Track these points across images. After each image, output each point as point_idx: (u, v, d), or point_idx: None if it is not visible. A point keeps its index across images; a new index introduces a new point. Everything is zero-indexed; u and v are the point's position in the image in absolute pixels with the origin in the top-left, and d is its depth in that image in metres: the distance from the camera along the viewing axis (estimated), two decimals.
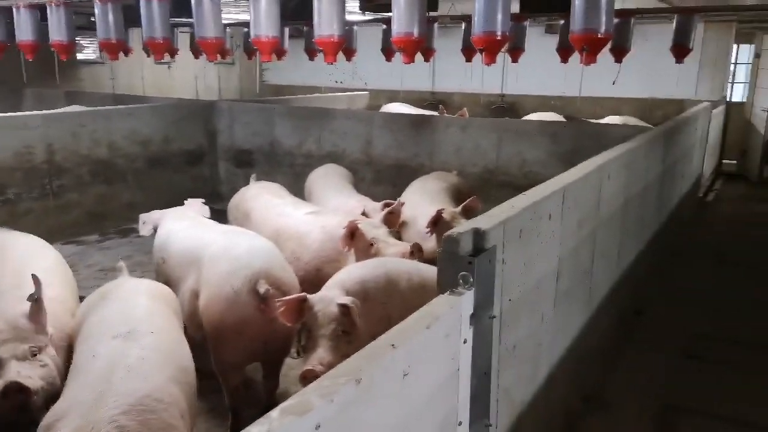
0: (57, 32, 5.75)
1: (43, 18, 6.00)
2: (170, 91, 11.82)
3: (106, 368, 2.19)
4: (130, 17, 5.69)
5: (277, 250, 3.39)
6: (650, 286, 5.11)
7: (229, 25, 7.14)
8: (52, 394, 2.36)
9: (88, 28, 7.44)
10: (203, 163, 7.96)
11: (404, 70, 10.37)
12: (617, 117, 9.67)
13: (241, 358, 3.13)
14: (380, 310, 2.84)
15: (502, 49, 4.11)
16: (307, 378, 2.55)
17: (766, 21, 9.64)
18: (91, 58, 11.26)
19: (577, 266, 3.01)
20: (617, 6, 4.00)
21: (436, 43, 6.64)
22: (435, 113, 9.60)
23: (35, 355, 2.44)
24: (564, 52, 6.17)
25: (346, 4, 4.55)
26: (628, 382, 3.79)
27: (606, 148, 3.81)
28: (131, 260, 5.75)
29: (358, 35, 7.10)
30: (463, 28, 6.45)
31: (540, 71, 10.09)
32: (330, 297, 2.77)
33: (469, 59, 6.54)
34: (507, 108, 11.41)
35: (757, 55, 10.43)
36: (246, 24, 7.02)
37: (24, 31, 6.05)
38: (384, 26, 6.95)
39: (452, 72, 11.25)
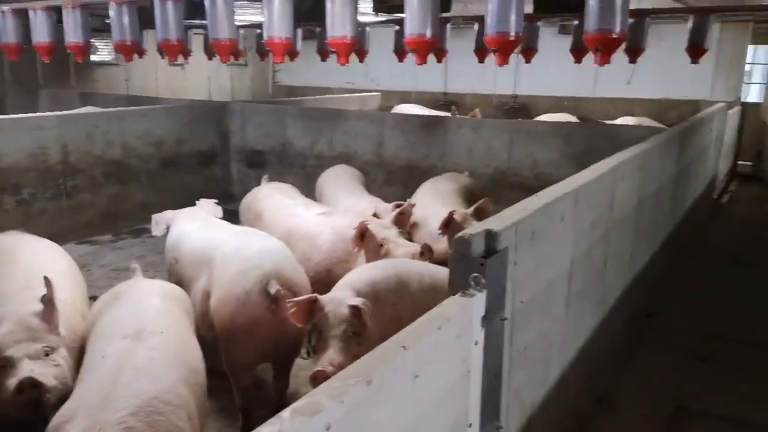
0: (72, 34, 5.81)
1: (59, 20, 6.07)
2: (183, 92, 11.90)
3: (114, 369, 2.20)
4: (145, 19, 5.74)
5: (289, 251, 3.40)
6: (664, 287, 5.07)
7: (242, 26, 7.17)
8: (65, 394, 2.37)
9: (103, 30, 7.51)
10: (216, 164, 8.01)
11: (416, 71, 10.33)
12: (631, 118, 9.60)
13: (252, 358, 3.14)
14: (391, 311, 2.84)
15: (515, 50, 4.09)
16: (318, 379, 2.55)
17: None
18: (106, 59, 11.35)
19: (589, 268, 2.99)
20: (632, 6, 3.97)
21: (449, 43, 6.63)
22: (447, 114, 9.58)
23: (48, 354, 2.45)
24: (577, 52, 6.12)
25: (359, 5, 4.55)
26: (640, 384, 3.76)
27: (619, 149, 3.78)
28: (144, 260, 5.80)
29: (370, 36, 7.10)
30: (476, 28, 6.43)
31: (553, 72, 10.04)
32: (341, 298, 2.77)
33: (481, 60, 6.51)
34: (519, 109, 11.37)
35: None
36: (259, 25, 7.05)
37: (40, 32, 6.12)
38: (396, 27, 6.95)
39: (464, 73, 11.23)
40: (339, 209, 4.77)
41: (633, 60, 5.93)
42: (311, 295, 2.78)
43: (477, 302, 1.82)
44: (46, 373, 2.36)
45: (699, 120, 6.13)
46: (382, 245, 3.69)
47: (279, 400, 3.35)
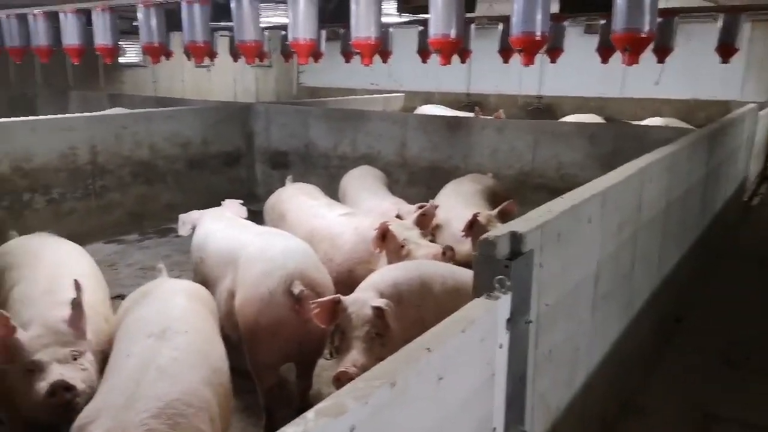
0: (102, 36, 5.92)
1: (89, 22, 6.18)
2: (209, 93, 12.06)
3: (139, 369, 2.20)
4: (172, 21, 5.82)
5: (312, 252, 3.41)
6: (692, 290, 4.97)
7: (267, 28, 7.23)
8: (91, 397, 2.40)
9: (131, 32, 7.64)
10: (240, 165, 8.08)
11: (440, 71, 10.34)
12: (658, 119, 9.44)
13: (276, 358, 3.16)
14: (414, 313, 2.83)
15: (541, 50, 4.06)
16: (341, 380, 2.55)
17: None
18: (134, 61, 11.56)
19: (616, 270, 2.95)
20: (661, 5, 3.91)
21: (473, 44, 6.60)
22: (470, 115, 9.54)
23: (76, 359, 2.45)
24: (604, 52, 6.05)
25: (383, 6, 4.55)
26: (667, 389, 3.69)
27: (646, 150, 3.71)
28: (170, 260, 5.88)
29: (393, 37, 7.10)
30: (500, 28, 6.39)
31: (579, 72, 9.93)
32: (364, 299, 2.77)
33: (506, 60, 6.48)
34: (544, 109, 11.27)
35: None
36: (283, 27, 7.10)
37: (70, 35, 6.24)
38: (420, 28, 6.94)
39: (488, 73, 11.17)
40: (362, 210, 4.78)
41: (661, 60, 5.83)
42: (334, 296, 2.79)
43: (502, 305, 1.81)
44: (75, 377, 2.37)
45: (729, 121, 6.00)
46: (403, 246, 3.68)
47: (302, 400, 3.37)
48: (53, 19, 6.52)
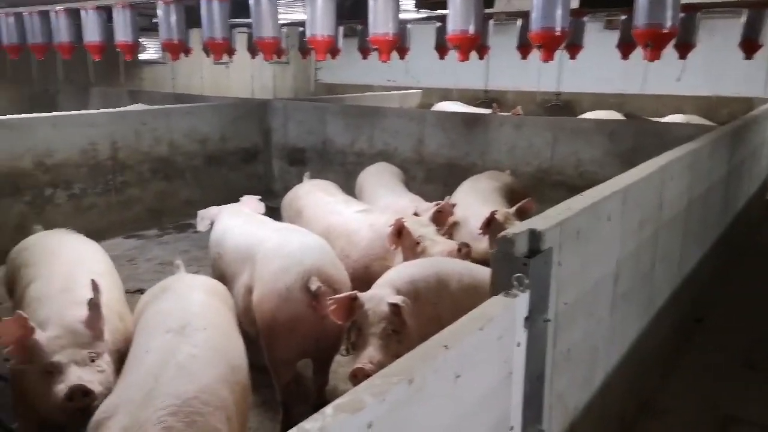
0: (122, 33, 5.98)
1: (109, 19, 6.25)
2: (227, 90, 12.13)
3: (157, 365, 2.20)
4: (191, 18, 5.86)
5: (329, 248, 3.42)
6: (713, 289, 4.90)
7: (285, 25, 7.25)
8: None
9: (151, 29, 7.71)
10: (258, 161, 8.12)
11: (457, 68, 10.27)
12: (680, 116, 9.30)
13: (293, 354, 3.17)
14: (430, 310, 2.82)
15: (560, 46, 4.02)
16: (358, 376, 2.56)
17: None
18: (153, 58, 11.67)
19: (636, 269, 2.91)
20: (683, 0, 3.85)
21: (491, 39, 6.56)
22: (488, 111, 9.48)
23: (93, 360, 2.44)
24: (625, 47, 5.98)
25: (400, 2, 4.54)
26: (686, 390, 3.65)
27: (667, 147, 3.66)
28: (188, 255, 5.94)
29: (410, 33, 7.08)
30: (519, 24, 6.34)
31: (598, 68, 9.82)
32: (380, 296, 2.77)
33: (524, 56, 6.43)
34: (562, 106, 11.16)
35: None
36: (301, 24, 7.12)
37: (91, 32, 6.31)
38: (438, 24, 6.91)
39: (506, 69, 11.09)
40: (378, 207, 4.78)
41: (683, 56, 5.76)
42: (351, 293, 2.79)
43: (520, 303, 1.79)
44: (93, 380, 2.36)
45: (752, 118, 5.90)
46: (418, 243, 3.67)
47: (318, 396, 3.38)
48: (75, 16, 6.60)
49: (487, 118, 7.27)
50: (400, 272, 3.01)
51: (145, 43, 10.24)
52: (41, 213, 5.95)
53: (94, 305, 2.47)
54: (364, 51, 7.32)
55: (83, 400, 2.29)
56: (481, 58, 6.51)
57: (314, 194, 4.74)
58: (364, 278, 3.66)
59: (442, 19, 6.55)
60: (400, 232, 3.72)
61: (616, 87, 10.49)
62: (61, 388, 2.30)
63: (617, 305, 2.69)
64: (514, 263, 1.84)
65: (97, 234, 5.82)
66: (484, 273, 2.77)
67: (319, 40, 4.77)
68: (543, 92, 11.32)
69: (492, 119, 7.12)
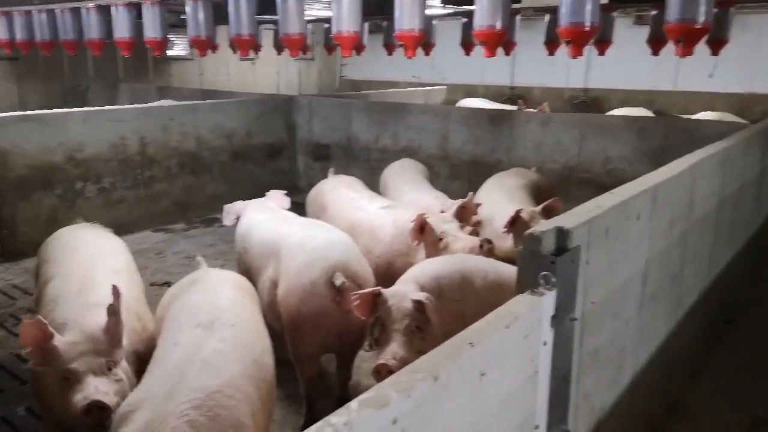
0: (151, 29, 6.06)
1: (138, 16, 6.34)
2: (253, 86, 12.23)
3: (183, 360, 2.20)
4: (218, 14, 5.91)
5: (354, 244, 3.42)
6: (744, 290, 4.79)
7: (310, 21, 7.27)
8: None
9: (179, 26, 7.80)
10: (283, 157, 8.17)
11: (483, 64, 10.20)
12: (711, 113, 9.10)
13: (317, 348, 3.19)
14: (454, 307, 2.81)
15: (589, 41, 3.96)
16: (380, 372, 2.56)
17: None
18: (181, 54, 11.81)
19: (665, 269, 2.86)
20: None
21: (517, 35, 6.48)
22: (514, 108, 9.40)
23: (110, 369, 2.42)
24: (655, 43, 5.85)
25: None
26: (715, 392, 3.58)
27: (698, 145, 3.59)
28: (214, 249, 6.01)
29: (436, 29, 7.04)
30: (547, 19, 6.26)
31: (628, 64, 9.67)
32: (404, 292, 2.76)
33: (552, 52, 6.34)
34: (590, 103, 11.01)
35: None
36: (326, 20, 7.14)
37: (121, 28, 6.41)
38: (464, 20, 6.86)
39: (533, 66, 10.98)
40: (403, 203, 4.77)
41: (715, 52, 5.62)
42: (375, 288, 2.79)
43: (546, 301, 1.78)
44: (110, 391, 2.34)
45: None
46: (441, 239, 3.66)
47: (341, 390, 3.40)
48: (105, 12, 6.71)
49: (513, 114, 7.20)
50: (424, 269, 3.00)
51: (173, 39, 10.38)
52: (72, 206, 6.09)
53: (113, 312, 2.43)
54: (390, 47, 7.29)
55: (100, 415, 2.27)
56: (507, 54, 6.44)
57: (338, 190, 4.76)
58: (387, 274, 3.66)
59: (468, 14, 6.50)
60: (422, 228, 3.71)
61: (646, 83, 10.31)
62: (79, 399, 2.28)
63: (646, 305, 2.65)
64: (541, 261, 1.82)
65: (125, 227, 5.96)
66: (509, 271, 2.74)
67: (345, 36, 4.76)
68: (570, 89, 11.18)
69: (518, 116, 7.05)
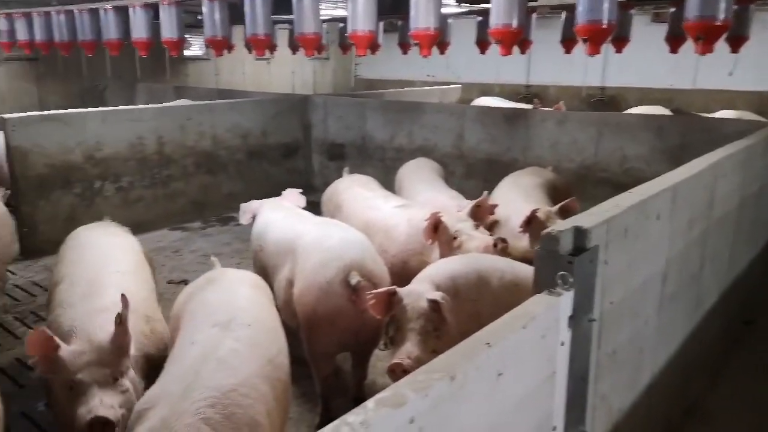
0: (168, 30, 6.11)
1: (156, 16, 6.40)
2: (268, 85, 12.28)
3: (199, 359, 2.21)
4: (233, 14, 5.95)
5: (369, 243, 3.42)
6: (764, 292, 4.72)
7: (325, 20, 7.29)
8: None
9: (195, 26, 7.86)
10: (298, 156, 8.20)
11: (498, 63, 10.17)
12: (731, 111, 8.97)
13: (333, 347, 3.20)
14: (470, 306, 2.80)
15: (607, 39, 3.93)
16: (395, 371, 2.56)
17: None
18: (197, 54, 11.90)
19: (685, 269, 2.83)
20: None
21: (533, 33, 6.44)
22: (529, 107, 9.34)
23: (117, 379, 2.39)
24: (674, 41, 5.79)
25: None
26: (734, 395, 3.53)
27: (717, 144, 3.54)
28: (230, 247, 6.05)
29: (451, 27, 7.02)
30: (563, 17, 6.22)
31: (646, 62, 9.56)
32: (419, 291, 2.76)
33: (568, 50, 6.30)
34: (607, 101, 10.91)
35: None
36: (341, 19, 7.15)
37: (138, 29, 6.48)
38: (479, 18, 6.83)
39: (548, 64, 10.90)
40: (418, 202, 4.76)
41: (735, 50, 5.54)
42: (390, 288, 2.79)
43: (564, 301, 1.76)
44: (114, 404, 2.32)
45: None
46: (455, 238, 3.64)
47: (357, 389, 3.40)
48: (123, 13, 6.78)
49: (529, 113, 7.16)
50: (440, 268, 2.99)
51: (189, 39, 10.46)
52: (90, 205, 6.16)
53: (121, 322, 2.40)
54: (404, 46, 7.28)
55: (103, 430, 2.25)
56: (523, 52, 6.39)
57: (354, 189, 4.76)
58: (402, 273, 3.66)
59: (483, 13, 6.47)
60: (436, 227, 3.70)
61: (664, 82, 10.19)
62: (82, 413, 2.26)
63: (665, 306, 2.62)
64: (559, 261, 1.81)
65: (143, 226, 6.02)
66: (526, 270, 2.73)
67: (360, 35, 4.77)
68: (587, 87, 11.09)
69: (534, 114, 7.01)
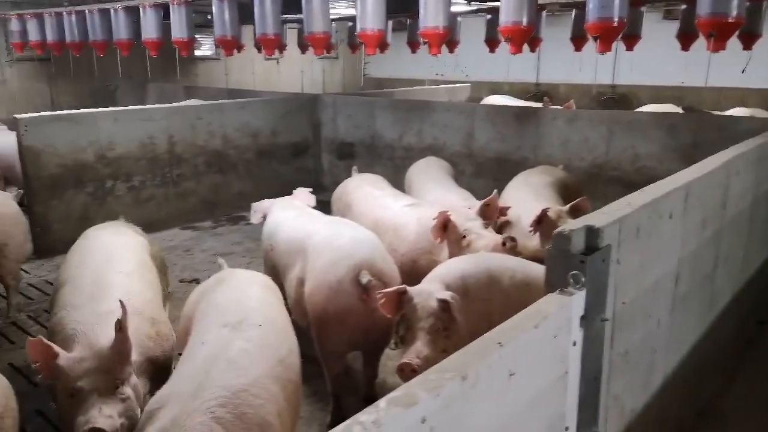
0: (178, 30, 6.15)
1: (166, 17, 6.44)
2: (278, 85, 12.31)
3: (210, 359, 2.21)
4: (243, 14, 5.97)
5: (379, 242, 3.43)
6: None
7: (334, 20, 7.30)
8: (132, 427, 2.37)
9: (205, 26, 7.90)
10: (307, 155, 8.22)
11: (507, 61, 10.13)
12: (743, 109, 8.89)
13: (343, 346, 3.20)
14: (481, 306, 2.79)
15: (617, 37, 3.90)
16: (404, 370, 2.56)
17: None
18: (207, 54, 11.95)
19: (698, 269, 2.80)
20: None
21: (543, 31, 6.41)
22: (539, 105, 9.30)
23: (117, 387, 2.37)
24: (685, 38, 5.76)
25: None
26: (748, 396, 3.50)
27: (730, 142, 3.51)
28: (241, 246, 6.08)
29: (460, 26, 7.00)
30: (573, 15, 6.19)
31: (657, 60, 9.49)
32: (429, 291, 2.76)
33: (578, 48, 6.28)
34: (618, 99, 10.84)
35: None
36: (350, 18, 7.15)
37: (149, 29, 6.52)
38: (488, 16, 6.81)
39: (558, 62, 10.85)
40: (428, 201, 4.75)
41: (748, 46, 5.50)
42: (400, 287, 2.79)
43: (576, 301, 1.75)
44: (113, 413, 2.30)
45: None
46: (464, 236, 3.63)
47: (368, 388, 3.40)
48: (133, 13, 6.83)
49: (539, 111, 7.12)
50: (451, 267, 2.99)
51: (200, 39, 10.51)
52: (102, 204, 6.21)
53: (121, 329, 2.37)
54: (413, 45, 7.28)
55: None
56: (533, 50, 6.38)
57: (363, 188, 4.76)
58: (411, 272, 3.66)
59: (493, 11, 6.46)
60: (445, 226, 3.69)
61: (675, 79, 10.11)
62: (81, 422, 2.26)
63: (677, 306, 2.59)
64: (570, 260, 1.79)
65: (154, 225, 6.05)
66: (537, 270, 2.72)
67: (369, 34, 4.78)
68: (598, 85, 11.03)
69: (544, 113, 6.97)
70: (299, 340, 2.70)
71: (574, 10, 6.19)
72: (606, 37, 3.72)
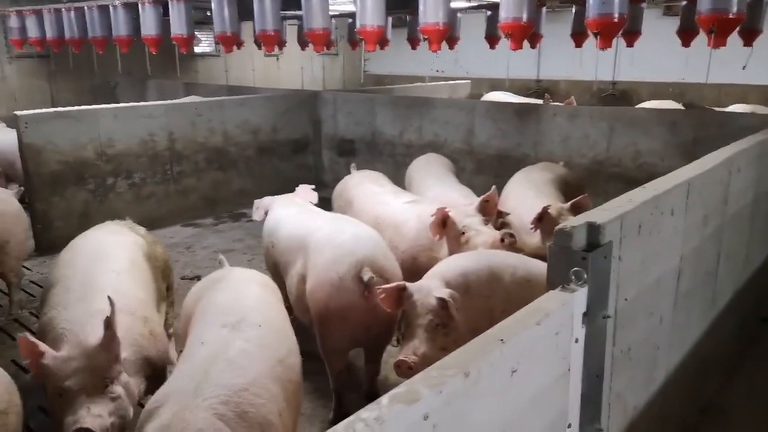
0: (178, 26, 6.13)
1: (165, 13, 6.42)
2: (277, 82, 12.28)
3: (208, 359, 2.21)
4: (242, 11, 5.96)
5: (380, 239, 3.43)
6: None
7: (334, 16, 7.28)
8: (123, 426, 2.36)
9: (204, 23, 7.88)
10: (308, 152, 8.20)
11: (507, 57, 10.11)
12: (743, 105, 8.87)
13: (345, 342, 3.20)
14: (482, 303, 2.79)
15: (618, 33, 3.89)
16: (401, 367, 2.58)
17: None
18: (207, 51, 11.92)
19: (699, 266, 2.80)
20: None
21: (543, 27, 6.40)
22: (540, 102, 9.29)
23: (107, 386, 2.34)
24: (685, 35, 5.75)
25: None
26: (750, 393, 3.50)
27: (731, 139, 3.50)
28: (243, 243, 6.08)
29: (460, 22, 6.99)
30: (574, 11, 6.18)
31: (657, 56, 9.47)
32: (429, 288, 2.76)
33: (579, 44, 6.27)
34: (618, 96, 10.82)
35: None
36: (350, 15, 7.14)
37: (148, 25, 6.51)
38: (488, 13, 6.80)
39: (559, 58, 10.83)
40: (428, 198, 4.75)
41: (748, 43, 5.49)
42: (400, 283, 2.80)
43: (578, 298, 1.75)
44: (103, 413, 2.28)
45: None
46: (463, 233, 3.63)
47: (369, 385, 3.40)
48: (133, 10, 6.81)
49: (540, 108, 7.10)
50: (451, 264, 2.99)
51: (199, 36, 10.48)
52: (103, 201, 6.21)
53: (109, 326, 2.35)
54: (413, 41, 7.28)
55: None
56: (533, 46, 6.38)
57: (364, 185, 4.76)
58: (411, 269, 3.65)
59: (493, 7, 6.45)
60: (444, 222, 3.69)
61: (676, 76, 10.09)
62: (69, 422, 2.25)
63: (680, 303, 2.59)
64: (572, 257, 1.79)
65: (156, 222, 6.05)
66: (539, 267, 2.72)
67: (369, 30, 4.77)
68: (598, 81, 11.01)
69: (545, 109, 6.95)
70: (300, 337, 2.70)
71: (574, 6, 6.18)
72: (606, 33, 3.72)
